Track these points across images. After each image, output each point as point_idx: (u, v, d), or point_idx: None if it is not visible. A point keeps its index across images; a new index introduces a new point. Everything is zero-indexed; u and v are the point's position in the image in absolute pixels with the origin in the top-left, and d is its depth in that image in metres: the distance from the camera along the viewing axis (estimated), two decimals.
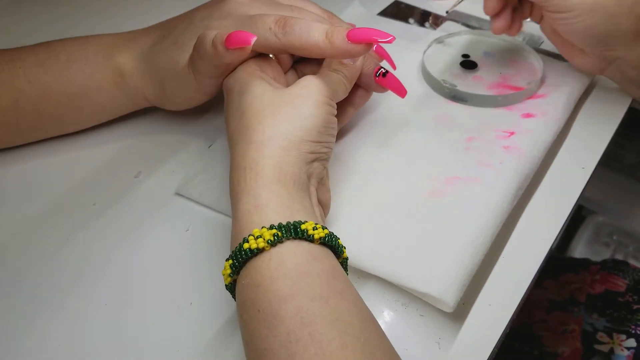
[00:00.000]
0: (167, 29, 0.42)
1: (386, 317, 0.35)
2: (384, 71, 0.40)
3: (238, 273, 0.30)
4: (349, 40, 0.35)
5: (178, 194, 0.42)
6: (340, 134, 0.43)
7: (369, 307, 0.30)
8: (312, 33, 0.35)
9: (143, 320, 0.35)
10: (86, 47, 0.43)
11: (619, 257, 0.86)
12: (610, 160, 0.89)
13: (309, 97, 0.34)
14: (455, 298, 0.33)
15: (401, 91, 0.41)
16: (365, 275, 0.37)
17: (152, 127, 0.47)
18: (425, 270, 0.35)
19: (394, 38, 0.35)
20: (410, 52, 0.52)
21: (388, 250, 0.36)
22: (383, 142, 0.44)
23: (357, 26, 0.38)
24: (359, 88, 0.41)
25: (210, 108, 0.47)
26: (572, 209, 0.39)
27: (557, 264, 0.66)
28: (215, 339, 0.34)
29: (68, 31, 0.45)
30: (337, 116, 0.41)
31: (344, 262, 0.32)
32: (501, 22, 0.46)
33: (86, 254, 0.39)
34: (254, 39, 0.34)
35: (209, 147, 0.45)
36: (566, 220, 0.39)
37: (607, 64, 0.45)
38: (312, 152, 0.34)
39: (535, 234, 0.38)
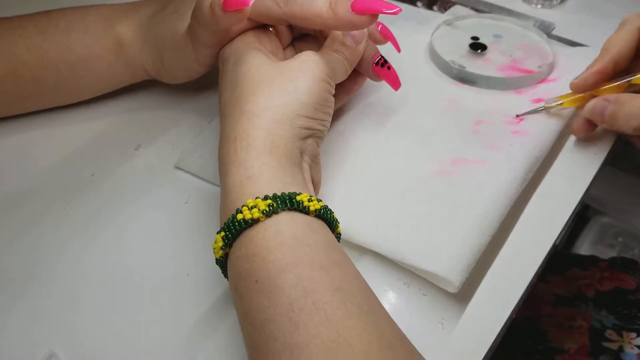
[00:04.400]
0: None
1: (388, 295, 0.34)
2: (382, 60, 0.39)
3: (231, 246, 0.29)
4: (352, 10, 0.33)
5: (177, 168, 0.41)
6: (343, 112, 0.42)
7: (371, 285, 0.29)
8: (316, 2, 0.34)
9: (139, 291, 0.34)
10: (86, 16, 0.42)
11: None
12: (618, 160, 0.87)
13: (307, 72, 0.33)
14: (461, 278, 0.32)
15: (396, 84, 0.40)
16: (365, 252, 0.35)
17: (153, 101, 0.46)
18: (430, 248, 0.33)
19: (400, 9, 0.34)
20: (418, 34, 0.51)
21: (391, 227, 0.35)
22: (388, 122, 0.42)
23: None
24: (357, 74, 0.40)
25: (211, 84, 0.46)
26: (582, 194, 0.38)
27: (562, 260, 0.65)
28: (211, 311, 0.33)
29: (69, 1, 0.44)
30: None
31: (337, 237, 0.31)
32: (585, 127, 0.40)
33: (83, 223, 0.38)
34: (252, 1, 0.33)
35: (209, 122, 0.44)
36: (576, 208, 0.38)
37: None
38: (306, 128, 0.32)
39: (544, 218, 0.36)
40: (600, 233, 0.90)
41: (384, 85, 0.45)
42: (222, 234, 0.29)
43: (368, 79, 0.43)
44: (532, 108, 0.43)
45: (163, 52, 0.40)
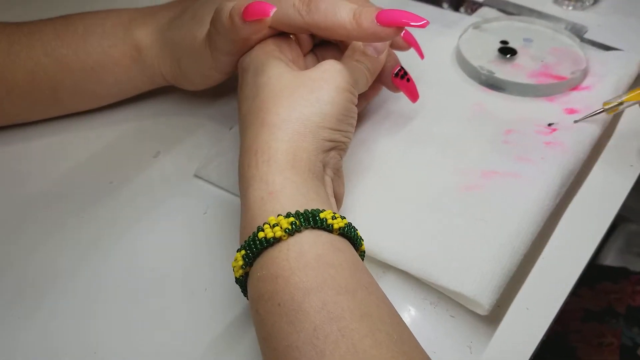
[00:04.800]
0: (187, 3, 0.40)
1: (413, 315, 0.32)
2: (403, 72, 0.38)
3: (251, 265, 0.27)
4: (377, 22, 0.32)
5: (197, 176, 0.40)
6: (365, 121, 0.41)
7: (395, 303, 0.27)
8: (339, 12, 0.32)
9: (154, 305, 0.33)
10: (104, 21, 0.41)
11: None
12: None
13: (330, 82, 0.32)
14: (491, 300, 0.30)
15: (414, 96, 0.39)
16: (389, 268, 0.34)
17: (172, 108, 0.45)
18: (459, 267, 0.32)
19: (428, 22, 0.32)
20: (444, 37, 0.49)
21: (417, 244, 0.33)
22: (413, 131, 0.41)
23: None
24: (375, 82, 0.39)
25: (231, 90, 0.45)
26: (618, 209, 0.36)
27: (592, 272, 0.63)
28: (229, 329, 0.32)
29: (87, 5, 0.43)
30: None
31: (361, 255, 0.30)
32: None
33: (100, 232, 0.37)
34: (273, 10, 0.32)
35: (230, 129, 0.43)
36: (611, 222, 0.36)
37: None
38: (329, 140, 0.31)
39: (578, 234, 0.35)
40: (628, 241, 0.87)
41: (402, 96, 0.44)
42: (243, 252, 0.27)
43: None
44: (566, 117, 0.41)
45: (181, 58, 0.39)
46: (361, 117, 0.41)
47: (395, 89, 0.39)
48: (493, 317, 0.32)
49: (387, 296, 0.29)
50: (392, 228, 0.34)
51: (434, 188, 0.36)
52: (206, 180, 0.40)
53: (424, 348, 0.27)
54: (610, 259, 0.83)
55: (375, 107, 0.43)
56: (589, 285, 0.60)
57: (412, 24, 0.32)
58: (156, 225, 0.37)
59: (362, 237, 0.31)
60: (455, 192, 0.36)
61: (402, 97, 0.43)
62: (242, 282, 0.28)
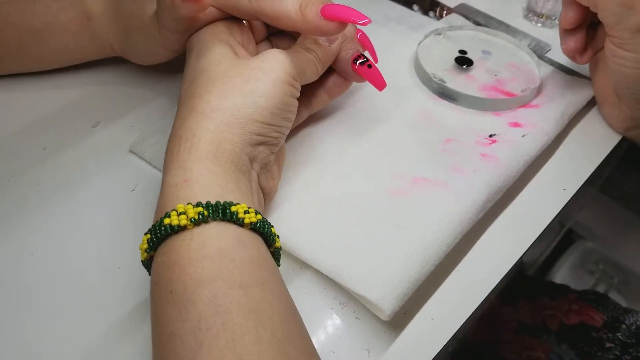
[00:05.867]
0: None
1: (320, 313, 0.33)
2: (363, 59, 0.37)
3: (155, 249, 0.27)
4: (322, 15, 0.32)
5: (132, 152, 0.40)
6: (312, 119, 0.41)
7: (305, 300, 0.27)
8: (286, 2, 0.32)
9: (64, 277, 0.33)
10: None
11: (602, 287, 0.82)
12: (608, 187, 0.85)
13: (268, 73, 0.31)
14: (393, 306, 0.31)
15: (380, 83, 0.38)
16: (307, 266, 0.34)
17: (121, 79, 0.45)
18: (367, 271, 0.32)
19: (370, 21, 0.32)
20: (407, 40, 0.49)
21: (333, 244, 0.33)
22: (355, 132, 0.41)
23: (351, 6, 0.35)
24: (336, 75, 0.39)
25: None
26: (542, 231, 0.36)
27: (534, 285, 0.63)
28: (135, 310, 0.32)
29: None
30: (309, 102, 0.39)
31: (276, 252, 0.30)
32: (574, 41, 0.41)
33: (26, 197, 0.37)
34: None
35: (174, 107, 0.42)
36: (532, 243, 0.36)
37: (637, 125, 0.41)
38: (259, 134, 0.31)
39: (497, 252, 0.35)
40: (582, 258, 0.88)
41: (362, 92, 0.44)
42: (148, 236, 0.27)
43: (355, 84, 0.41)
44: (508, 130, 0.41)
45: (130, 31, 0.39)
46: (316, 113, 0.41)
47: (358, 77, 0.38)
48: (397, 323, 0.32)
49: (301, 292, 0.29)
50: (312, 226, 0.34)
51: (363, 190, 0.37)
52: (140, 157, 0.39)
53: (324, 346, 0.27)
54: (561, 274, 0.85)
55: (336, 105, 0.43)
56: (529, 299, 0.61)
57: (355, 20, 0.32)
58: (81, 196, 0.37)
59: (280, 233, 0.31)
60: (383, 196, 0.36)
61: (351, 97, 0.44)
62: (147, 265, 0.28)
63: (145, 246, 0.27)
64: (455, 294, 0.33)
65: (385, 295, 0.31)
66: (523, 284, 0.62)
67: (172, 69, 0.45)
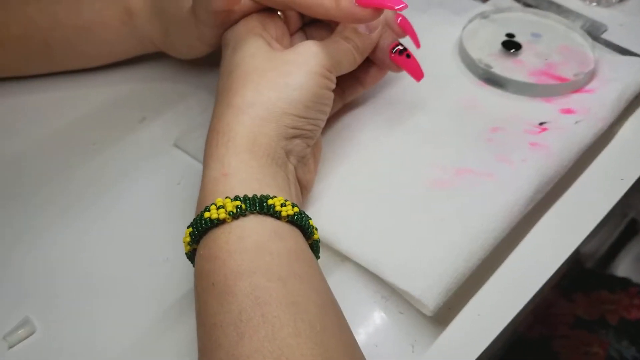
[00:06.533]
0: None
1: (362, 308, 0.32)
2: (401, 48, 0.36)
3: (198, 242, 0.28)
4: (356, 2, 0.31)
5: (176, 146, 0.40)
6: (348, 108, 0.40)
7: (347, 293, 0.27)
8: None
9: (114, 269, 0.34)
10: None
11: None
12: None
13: (302, 65, 0.31)
14: (436, 302, 0.30)
15: (418, 73, 0.37)
16: (349, 259, 0.34)
17: (165, 73, 0.45)
18: (410, 265, 0.31)
19: (406, 6, 0.31)
20: (450, 24, 0.47)
21: (374, 237, 0.33)
22: (394, 121, 0.40)
23: None
24: (372, 64, 0.38)
25: None
26: (598, 223, 0.34)
27: (591, 278, 0.61)
28: (182, 301, 0.33)
29: None
30: (343, 92, 0.38)
31: (314, 244, 0.30)
32: None
33: (77, 192, 0.38)
34: None
35: (214, 101, 0.43)
36: (589, 235, 0.34)
37: None
38: (293, 127, 0.31)
39: (548, 245, 0.33)
40: None
41: (401, 79, 0.43)
42: (190, 229, 0.28)
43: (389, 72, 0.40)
44: (560, 116, 0.39)
45: (168, 25, 0.39)
46: (352, 102, 0.40)
47: (395, 67, 0.37)
48: (442, 319, 0.31)
49: (342, 285, 0.29)
50: (352, 218, 0.34)
51: (404, 181, 0.36)
52: (184, 151, 0.40)
53: (366, 340, 0.26)
54: (623, 267, 0.81)
55: (367, 94, 0.42)
56: (585, 292, 0.59)
57: (390, 5, 0.31)
58: (130, 191, 0.38)
59: (319, 226, 0.31)
60: (424, 188, 0.35)
61: (395, 85, 0.43)
62: (191, 257, 0.29)
63: (188, 239, 0.28)
64: (503, 289, 0.32)
65: (428, 290, 0.30)
66: (580, 276, 0.59)
67: (212, 62, 0.45)
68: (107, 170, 0.39)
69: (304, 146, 0.32)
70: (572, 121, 0.39)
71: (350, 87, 0.39)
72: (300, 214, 0.28)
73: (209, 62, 0.45)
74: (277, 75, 0.31)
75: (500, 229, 0.33)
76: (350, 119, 0.40)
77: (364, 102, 0.41)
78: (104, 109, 0.43)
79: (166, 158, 0.40)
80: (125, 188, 0.38)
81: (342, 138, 0.39)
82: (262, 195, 0.27)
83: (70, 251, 0.35)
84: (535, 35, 0.45)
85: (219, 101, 0.32)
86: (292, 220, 0.28)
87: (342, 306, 0.28)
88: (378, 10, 0.31)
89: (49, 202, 0.37)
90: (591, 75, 0.42)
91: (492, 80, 0.42)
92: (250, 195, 0.27)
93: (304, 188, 0.33)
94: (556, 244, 0.33)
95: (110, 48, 0.42)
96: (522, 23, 0.46)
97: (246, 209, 0.27)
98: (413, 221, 0.33)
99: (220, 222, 0.27)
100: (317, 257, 0.30)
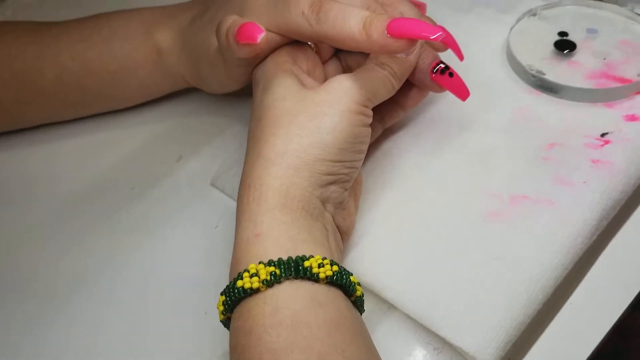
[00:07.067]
0: (209, 2, 0.39)
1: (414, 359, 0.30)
2: (442, 66, 0.33)
3: (232, 311, 0.27)
4: (389, 33, 0.29)
5: (213, 185, 0.39)
6: (389, 132, 0.38)
7: (396, 344, 0.27)
8: (348, 22, 0.29)
9: (149, 320, 0.34)
10: (128, 23, 0.41)
11: None
12: None
13: (334, 106, 0.29)
14: (493, 357, 0.28)
15: (463, 93, 0.34)
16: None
17: (200, 107, 0.44)
18: (462, 317, 0.29)
19: (443, 35, 0.28)
20: (497, 24, 0.43)
21: (421, 284, 0.31)
22: (439, 143, 0.37)
23: None
24: (412, 86, 0.35)
25: None
26: None
27: None
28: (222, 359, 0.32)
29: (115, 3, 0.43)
30: (382, 117, 0.36)
31: (358, 300, 0.28)
32: None
33: (116, 237, 0.38)
34: (261, 36, 0.29)
35: None
36: None
37: None
38: (328, 174, 0.29)
39: (617, 279, 0.30)
40: None
41: (444, 97, 0.40)
42: (223, 297, 0.27)
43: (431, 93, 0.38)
44: (624, 125, 0.35)
45: (198, 63, 0.38)
46: (398, 123, 0.38)
47: (438, 88, 0.34)
48: None
49: (390, 335, 0.27)
50: (396, 261, 0.32)
51: (452, 214, 0.33)
52: (221, 191, 0.39)
53: None
54: None
55: (415, 113, 0.39)
56: None
57: (425, 35, 0.29)
58: (168, 237, 0.37)
59: (362, 272, 0.29)
60: (475, 221, 0.33)
61: (437, 103, 0.40)
62: (226, 324, 0.28)
63: (222, 308, 0.27)
64: (567, 334, 0.29)
65: (484, 344, 0.28)
66: None
67: (248, 92, 0.44)
68: (145, 215, 0.39)
69: (341, 191, 0.30)
70: (639, 130, 0.35)
71: (390, 112, 0.36)
72: (340, 273, 0.27)
73: (244, 92, 0.44)
74: (308, 118, 0.29)
75: (562, 267, 0.30)
76: (391, 145, 0.38)
77: (405, 125, 0.39)
78: (140, 150, 0.43)
79: (203, 199, 0.39)
80: (164, 233, 0.37)
81: (383, 167, 0.37)
82: (297, 258, 0.26)
83: (104, 301, 0.35)
84: (591, 31, 0.41)
85: (249, 150, 0.30)
86: (331, 281, 0.26)
87: (391, 358, 0.26)
88: (412, 41, 0.29)
89: (90, 253, 0.37)
90: None
91: (546, 87, 0.39)
92: (285, 258, 0.26)
93: (344, 234, 0.31)
94: (626, 277, 0.30)
95: (144, 89, 0.42)
96: (576, 18, 0.42)
97: (281, 275, 0.25)
98: (465, 262, 0.31)
99: (253, 292, 0.25)
100: (361, 312, 0.29)
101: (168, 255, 0.37)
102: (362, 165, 0.36)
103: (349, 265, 0.32)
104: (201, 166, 0.41)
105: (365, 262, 0.32)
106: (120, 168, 0.42)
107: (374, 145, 0.37)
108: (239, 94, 0.41)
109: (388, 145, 0.38)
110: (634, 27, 0.41)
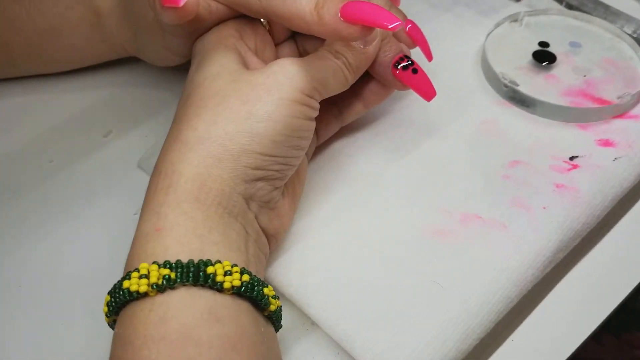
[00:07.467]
0: None
1: None
2: (405, 63, 0.30)
3: (117, 314, 0.23)
4: (342, 17, 0.25)
5: (140, 168, 0.35)
6: (346, 129, 0.34)
7: None
8: (299, 0, 0.26)
9: (52, 309, 0.30)
10: None
11: None
12: None
13: (272, 91, 0.25)
14: None
15: (428, 92, 0.30)
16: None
17: (137, 80, 0.40)
18: (388, 345, 0.25)
19: (401, 24, 0.25)
20: (475, 28, 0.40)
21: (348, 300, 0.27)
22: (397, 147, 0.34)
23: None
24: (373, 80, 0.31)
25: None
26: (628, 295, 0.28)
27: (622, 317, 0.53)
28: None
29: None
30: (339, 113, 0.32)
31: (273, 315, 0.24)
32: None
33: (26, 214, 0.34)
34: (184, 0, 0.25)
35: None
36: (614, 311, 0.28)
37: None
38: (256, 168, 0.25)
39: (567, 318, 0.27)
40: None
41: (412, 96, 0.36)
42: (108, 298, 0.23)
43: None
44: (596, 150, 0.32)
45: (137, 31, 0.34)
46: (357, 121, 0.34)
47: (401, 85, 0.31)
48: None
49: (309, 357, 0.24)
50: (327, 275, 0.28)
51: (398, 228, 0.30)
52: (148, 174, 0.35)
53: None
54: None
55: (378, 112, 0.36)
56: (615, 335, 0.52)
57: (381, 23, 0.25)
58: (83, 217, 0.33)
59: (288, 283, 0.26)
60: (420, 238, 0.29)
61: (398, 102, 0.36)
62: (113, 327, 0.24)
63: (106, 309, 0.23)
64: None
65: None
66: (610, 316, 0.52)
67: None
68: (62, 191, 0.35)
69: (270, 189, 0.26)
70: (611, 157, 0.32)
71: (348, 106, 0.33)
72: (252, 283, 0.23)
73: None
74: (240, 102, 0.25)
75: (507, 300, 0.27)
76: (345, 144, 0.34)
77: (365, 124, 0.35)
78: (68, 120, 0.38)
79: (128, 181, 0.35)
80: (78, 213, 0.34)
81: (331, 167, 0.33)
82: (200, 261, 0.22)
83: (13, 279, 0.31)
84: (574, 45, 0.38)
85: (170, 131, 0.27)
86: (238, 292, 0.22)
87: None
88: (367, 29, 0.25)
89: None
90: (639, 97, 0.35)
91: (517, 99, 0.35)
92: (185, 260, 0.22)
93: (271, 237, 0.27)
94: (577, 316, 0.27)
95: (78, 52, 0.38)
96: (560, 29, 0.39)
97: (176, 280, 0.21)
98: (402, 285, 0.27)
99: (141, 296, 0.22)
100: (278, 328, 0.25)
101: (78, 239, 0.33)
102: (310, 162, 0.33)
103: (274, 272, 0.29)
104: (131, 145, 0.37)
105: (292, 272, 0.28)
106: (39, 137, 0.37)
107: (327, 142, 0.34)
108: (186, 67, 0.38)
109: (341, 144, 0.34)
110: (621, 46, 0.38)
